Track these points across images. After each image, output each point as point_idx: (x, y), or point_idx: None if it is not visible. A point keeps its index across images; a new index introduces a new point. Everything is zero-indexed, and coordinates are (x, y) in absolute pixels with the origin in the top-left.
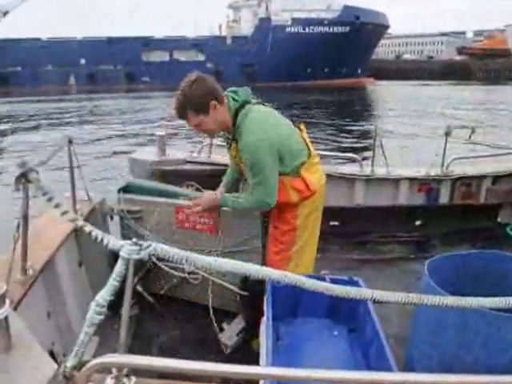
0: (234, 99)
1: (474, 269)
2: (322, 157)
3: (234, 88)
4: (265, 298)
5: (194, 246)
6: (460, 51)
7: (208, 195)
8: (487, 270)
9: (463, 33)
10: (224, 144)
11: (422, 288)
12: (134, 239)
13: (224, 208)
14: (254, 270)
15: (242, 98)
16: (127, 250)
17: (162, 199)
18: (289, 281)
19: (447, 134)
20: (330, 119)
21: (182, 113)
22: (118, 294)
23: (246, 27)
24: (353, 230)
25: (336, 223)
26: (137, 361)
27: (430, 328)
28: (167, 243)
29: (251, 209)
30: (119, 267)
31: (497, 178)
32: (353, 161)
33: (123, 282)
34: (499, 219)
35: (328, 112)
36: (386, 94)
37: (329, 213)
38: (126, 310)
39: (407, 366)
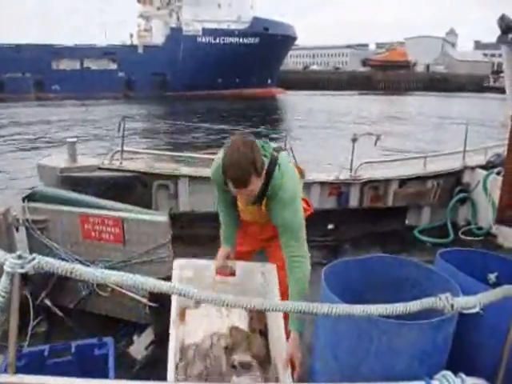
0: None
1: (375, 274)
2: None
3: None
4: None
5: (101, 257)
6: (364, 63)
7: (294, 347)
8: (388, 275)
9: (366, 45)
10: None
11: (320, 295)
12: (19, 252)
13: (130, 216)
14: (141, 281)
15: (268, 151)
16: (11, 263)
17: (67, 208)
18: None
19: (354, 140)
20: (242, 127)
21: (246, 179)
22: (23, 312)
23: (158, 37)
24: None
25: None
26: (26, 380)
27: (328, 338)
28: (74, 254)
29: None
30: (4, 282)
31: (403, 182)
32: None
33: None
34: (407, 222)
35: (239, 120)
36: (296, 103)
37: None
38: (13, 328)
39: (311, 377)
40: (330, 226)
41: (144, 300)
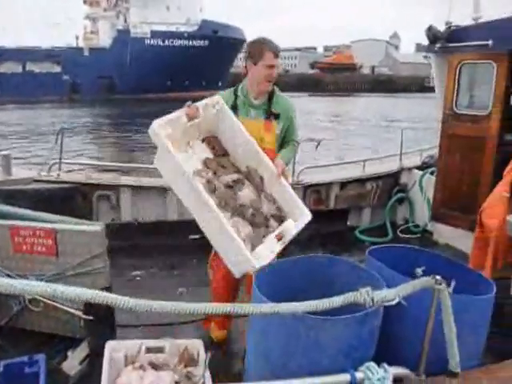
0: None
1: (308, 274)
2: None
3: None
4: None
5: (33, 271)
6: (312, 65)
7: (278, 161)
8: (320, 274)
9: (314, 48)
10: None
11: (253, 297)
12: None
13: (63, 227)
14: (61, 291)
15: None
16: None
17: None
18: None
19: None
20: None
21: (279, 50)
22: None
23: (105, 39)
24: None
25: (196, 236)
26: None
27: (259, 338)
28: (4, 269)
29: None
30: None
31: (344, 185)
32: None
33: None
34: (348, 223)
35: None
36: None
37: (188, 226)
38: None
39: (247, 377)
40: None
41: (78, 313)
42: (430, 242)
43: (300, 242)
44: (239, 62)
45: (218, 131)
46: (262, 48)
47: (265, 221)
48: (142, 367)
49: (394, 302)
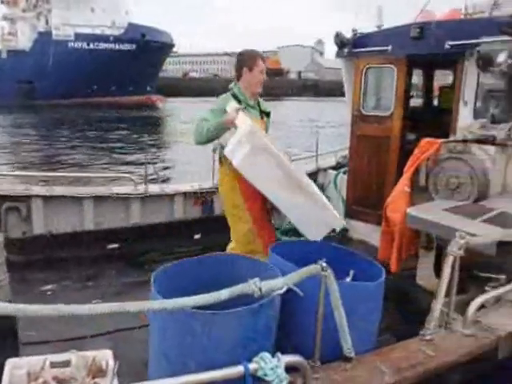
0: None
1: (211, 273)
2: (94, 178)
3: None
4: None
5: None
6: None
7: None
8: (223, 272)
9: None
10: None
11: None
12: None
13: None
14: None
15: None
16: None
17: None
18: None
19: (214, 150)
20: (106, 138)
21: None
22: None
23: (24, 41)
24: (132, 251)
25: (115, 245)
26: None
27: (158, 337)
28: None
29: None
30: None
31: None
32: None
33: None
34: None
35: (112, 129)
36: (176, 110)
37: (106, 235)
38: None
39: (149, 377)
40: (197, 236)
41: None
42: (346, 239)
43: (225, 246)
44: (168, 66)
45: None
46: (255, 56)
47: None
48: (45, 383)
49: (282, 291)
